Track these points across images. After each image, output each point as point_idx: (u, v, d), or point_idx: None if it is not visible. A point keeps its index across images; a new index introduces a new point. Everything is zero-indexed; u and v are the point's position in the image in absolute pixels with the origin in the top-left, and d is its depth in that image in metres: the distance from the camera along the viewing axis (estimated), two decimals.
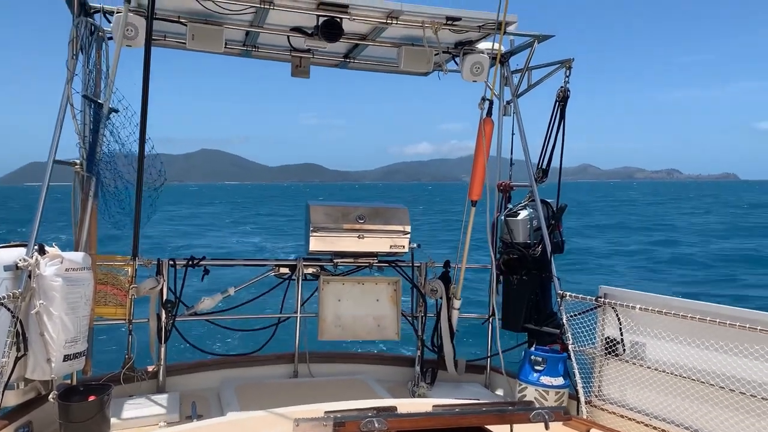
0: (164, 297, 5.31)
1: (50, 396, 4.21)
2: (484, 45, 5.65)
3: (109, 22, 4.92)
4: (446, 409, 2.52)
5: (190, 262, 5.46)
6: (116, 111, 4.87)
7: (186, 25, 5.06)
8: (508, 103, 5.97)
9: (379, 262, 5.92)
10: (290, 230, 44.65)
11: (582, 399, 5.03)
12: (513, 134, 5.96)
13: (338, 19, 4.92)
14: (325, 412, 2.76)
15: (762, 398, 3.99)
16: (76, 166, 4.83)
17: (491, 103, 5.35)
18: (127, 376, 5.19)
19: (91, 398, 4.28)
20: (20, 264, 4.09)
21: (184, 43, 5.15)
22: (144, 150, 4.59)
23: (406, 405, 2.96)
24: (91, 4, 4.85)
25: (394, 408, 2.43)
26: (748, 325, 4.02)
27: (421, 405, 2.86)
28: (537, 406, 2.44)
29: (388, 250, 5.79)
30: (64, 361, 4.26)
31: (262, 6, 4.71)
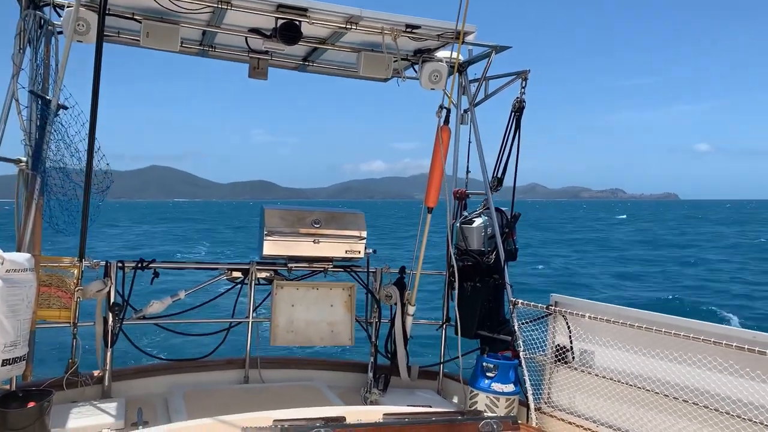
0: (112, 300, 5.16)
1: None
2: (442, 54, 5.68)
3: (60, 15, 4.77)
4: (396, 419, 2.51)
5: (140, 265, 5.32)
6: (65, 108, 4.73)
7: (140, 23, 4.94)
8: (465, 111, 6.03)
9: (334, 267, 5.89)
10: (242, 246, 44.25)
11: (532, 406, 5.10)
12: (470, 143, 6.03)
13: (297, 22, 4.88)
14: (274, 421, 2.72)
15: (704, 406, 4.11)
16: (21, 164, 4.66)
17: (449, 111, 5.38)
18: (71, 382, 5.02)
19: (31, 404, 4.12)
20: None
21: (139, 41, 5.03)
22: (93, 149, 4.47)
23: (357, 413, 2.94)
24: None
25: (343, 418, 2.41)
26: (692, 335, 4.14)
27: (372, 413, 2.85)
28: (486, 415, 2.45)
29: (343, 255, 5.77)
30: (2, 365, 4.09)
31: (220, 6, 4.64)
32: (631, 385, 4.56)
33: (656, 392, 4.39)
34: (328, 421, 2.33)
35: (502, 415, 5.04)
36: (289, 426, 2.31)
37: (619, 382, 4.65)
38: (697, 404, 4.14)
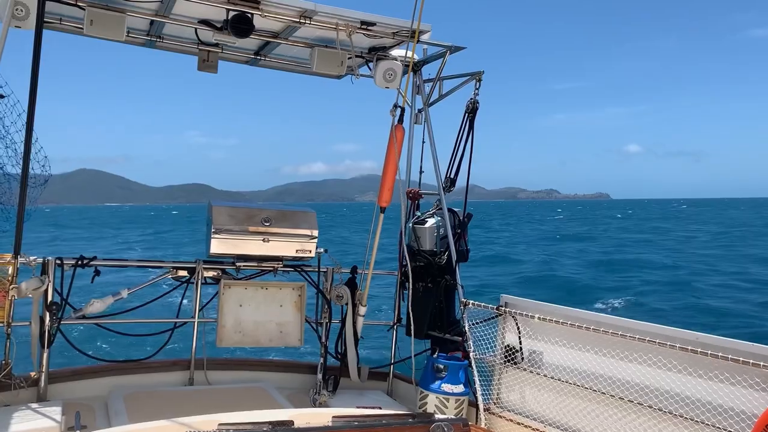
0: (49, 299, 4.92)
1: None
2: (397, 52, 5.65)
3: None
4: (346, 422, 2.45)
5: (80, 262, 5.10)
6: (2, 96, 4.50)
7: (84, 9, 4.73)
8: (419, 111, 6.01)
9: (285, 266, 5.78)
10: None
11: (481, 406, 5.12)
12: (423, 142, 6.02)
13: (249, 15, 4.76)
14: (219, 425, 2.63)
15: (649, 405, 4.19)
16: None
17: (403, 110, 5.35)
18: (4, 384, 4.77)
19: None
20: None
21: (82, 29, 4.82)
22: (31, 140, 4.27)
23: (305, 416, 2.87)
24: None
25: (291, 422, 2.33)
26: (637, 336, 4.21)
27: (321, 416, 2.78)
28: (437, 417, 2.41)
29: (293, 254, 5.66)
30: None
31: None
32: (578, 385, 4.62)
33: (603, 392, 4.46)
34: (275, 425, 2.25)
35: (452, 416, 5.03)
36: (234, 430, 2.22)
37: (567, 382, 4.71)
38: (642, 404, 4.22)
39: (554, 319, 4.74)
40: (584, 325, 4.54)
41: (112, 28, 4.79)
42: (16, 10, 4.36)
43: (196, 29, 5.22)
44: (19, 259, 4.70)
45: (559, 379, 4.76)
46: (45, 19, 4.48)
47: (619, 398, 4.35)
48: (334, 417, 2.66)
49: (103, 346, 6.61)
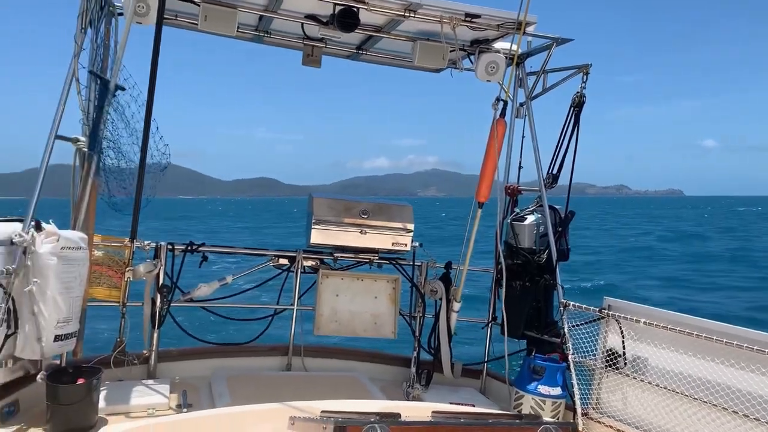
0: (160, 281, 5.20)
1: (38, 376, 4.11)
2: (500, 45, 5.53)
3: None
4: (450, 418, 2.42)
5: (189, 248, 5.35)
6: (123, 89, 4.77)
7: (199, 6, 4.93)
8: (521, 105, 5.87)
9: (380, 258, 5.82)
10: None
11: (579, 411, 4.95)
12: (523, 137, 5.86)
13: (355, 9, 4.81)
14: (322, 412, 2.67)
15: (766, 422, 3.91)
16: (79, 143, 4.72)
17: (505, 103, 5.24)
18: (118, 360, 5.09)
19: (80, 381, 4.18)
20: (15, 239, 3.97)
21: (196, 24, 5.03)
22: (149, 129, 4.49)
23: (404, 409, 2.87)
24: None
25: (398, 414, 2.33)
26: (756, 347, 3.93)
27: (419, 410, 2.77)
28: (545, 420, 2.34)
29: (389, 247, 5.69)
30: (54, 341, 4.15)
31: None
32: (685, 395, 4.38)
33: (713, 405, 4.20)
34: (382, 416, 2.26)
35: (548, 418, 4.91)
36: (342, 419, 2.24)
37: (672, 390, 4.47)
38: (760, 419, 3.94)
39: (661, 324, 4.51)
40: (694, 332, 4.29)
41: (225, 23, 4.97)
42: (138, 6, 4.60)
43: (302, 24, 5.32)
44: (135, 243, 4.98)
45: (664, 387, 4.53)
46: (164, 15, 4.69)
47: (732, 411, 4.08)
48: (433, 412, 2.64)
49: (207, 328, 6.91)
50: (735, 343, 4.05)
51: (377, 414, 2.30)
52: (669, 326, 4.47)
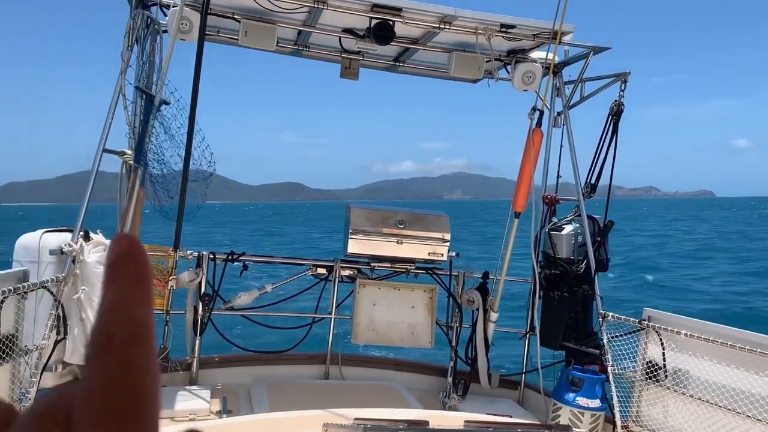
0: (202, 290, 5.34)
1: None
2: (537, 54, 5.53)
3: (165, 15, 4.99)
4: (479, 427, 2.44)
5: (230, 257, 5.48)
6: (167, 103, 4.94)
7: (239, 22, 5.08)
8: (558, 114, 5.84)
9: (417, 268, 5.84)
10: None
11: (618, 423, 4.87)
12: (561, 146, 5.83)
13: (391, 22, 4.88)
14: (355, 419, 2.72)
15: None
16: (125, 156, 4.91)
17: (542, 113, 5.23)
18: (162, 366, 5.24)
19: None
20: (65, 249, 4.16)
21: (237, 40, 5.18)
22: (192, 142, 4.64)
23: (438, 418, 2.89)
24: None
25: (426, 422, 2.36)
26: None
27: (453, 419, 2.79)
28: (575, 431, 2.33)
29: (426, 257, 5.71)
30: None
31: (316, 6, 4.70)
32: (727, 409, 4.27)
33: (757, 419, 4.09)
34: (411, 424, 2.29)
35: (586, 431, 4.84)
36: (371, 426, 2.28)
37: (714, 404, 4.36)
38: None
39: (703, 336, 4.42)
40: (738, 345, 4.19)
41: (264, 38, 5.10)
42: (182, 24, 4.77)
43: (339, 38, 5.43)
44: (178, 252, 5.13)
45: (705, 400, 4.43)
46: (206, 32, 4.86)
47: None
48: (466, 421, 2.66)
49: (247, 336, 7.04)
50: None
51: (406, 421, 2.33)
52: (711, 338, 4.37)
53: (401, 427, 2.24)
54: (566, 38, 5.14)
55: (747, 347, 4.12)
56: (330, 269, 5.77)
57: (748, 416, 4.14)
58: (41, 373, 4.03)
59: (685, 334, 4.54)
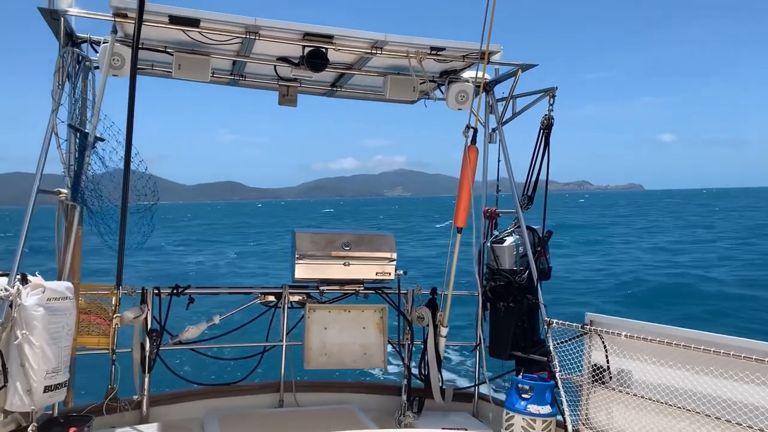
0: (149, 326, 5.26)
1: (29, 428, 4.14)
2: (469, 74, 5.71)
3: (96, 51, 4.95)
4: None
5: (175, 291, 5.42)
6: (102, 140, 4.89)
7: (172, 55, 5.09)
8: (493, 130, 6.03)
9: (366, 289, 5.90)
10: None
11: (570, 428, 4.99)
12: (499, 161, 6.01)
13: (323, 50, 4.97)
14: None
15: (748, 426, 3.97)
16: (61, 195, 4.82)
17: (476, 130, 5.38)
18: (110, 407, 5.11)
19: (72, 430, 4.22)
20: (1, 294, 4.04)
21: (171, 72, 5.18)
22: (129, 176, 4.59)
23: None
24: (78, 34, 4.88)
25: None
26: (732, 353, 4.02)
27: None
28: None
29: (374, 277, 5.78)
30: (44, 392, 4.18)
31: (248, 37, 4.75)
32: (671, 405, 4.44)
33: (697, 412, 4.26)
34: None
35: None
36: None
37: (658, 402, 4.53)
38: (741, 424, 4.01)
39: (642, 336, 4.59)
40: (674, 342, 4.38)
41: (199, 70, 5.12)
42: (114, 60, 4.75)
43: (275, 66, 5.49)
44: (120, 289, 5.04)
45: (650, 399, 4.59)
46: (138, 66, 4.84)
47: (715, 418, 4.15)
48: None
49: (197, 370, 6.94)
50: (712, 350, 4.13)
51: None
52: (649, 338, 4.55)
53: None
54: (495, 57, 5.33)
55: (682, 344, 4.30)
56: (279, 296, 5.76)
57: (687, 410, 4.31)
58: None
59: (625, 335, 4.71)
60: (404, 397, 5.77)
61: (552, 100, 5.55)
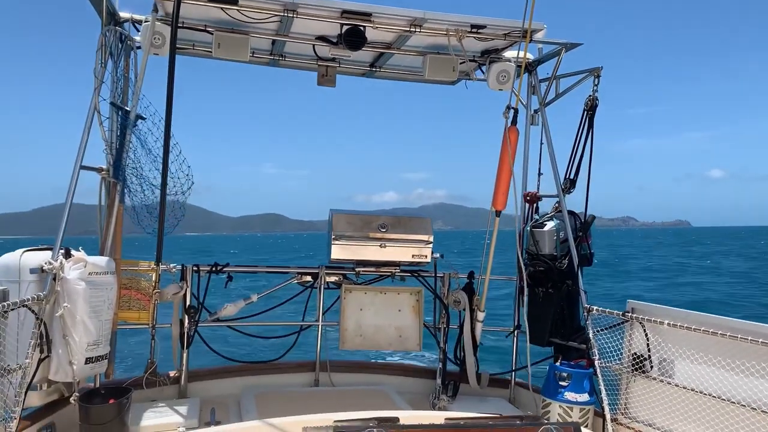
0: (187, 302, 5.34)
1: (71, 398, 4.27)
2: (510, 53, 5.56)
3: (138, 31, 5.01)
4: (450, 422, 2.45)
5: (214, 269, 5.49)
6: (143, 118, 4.96)
7: (212, 34, 5.11)
8: (535, 112, 5.88)
9: (402, 271, 5.86)
10: None
11: (608, 416, 4.88)
12: (541, 143, 5.85)
13: (361, 27, 4.91)
14: (335, 422, 2.73)
15: None
16: (103, 172, 4.92)
17: (516, 111, 5.24)
18: (150, 381, 5.24)
19: (111, 401, 4.33)
20: (45, 267, 4.16)
21: (211, 52, 5.21)
22: (168, 156, 4.64)
23: (414, 417, 2.90)
24: (120, 13, 4.95)
25: (396, 419, 2.38)
26: None
27: (431, 417, 2.80)
28: (545, 421, 2.35)
29: (410, 259, 5.72)
30: (86, 363, 4.32)
31: (286, 14, 4.73)
32: (714, 397, 4.28)
33: (742, 405, 4.10)
34: (380, 421, 2.30)
35: (548, 420, 4.84)
36: (341, 425, 2.30)
37: (701, 393, 4.38)
38: None
39: (685, 325, 4.43)
40: (720, 332, 4.21)
41: (238, 49, 5.13)
42: (155, 39, 4.80)
43: (313, 45, 5.46)
44: (161, 266, 5.14)
45: (693, 390, 4.44)
46: (178, 46, 4.88)
47: (762, 412, 3.98)
48: (447, 419, 2.67)
49: (235, 347, 7.04)
50: (760, 341, 3.96)
51: (377, 419, 2.35)
52: (693, 327, 4.39)
53: (371, 425, 2.26)
54: (538, 36, 5.17)
55: (728, 333, 4.14)
56: (315, 276, 5.78)
57: (732, 402, 4.16)
58: (26, 393, 4.02)
59: (668, 324, 4.56)
60: (439, 380, 5.74)
61: (597, 80, 5.39)
